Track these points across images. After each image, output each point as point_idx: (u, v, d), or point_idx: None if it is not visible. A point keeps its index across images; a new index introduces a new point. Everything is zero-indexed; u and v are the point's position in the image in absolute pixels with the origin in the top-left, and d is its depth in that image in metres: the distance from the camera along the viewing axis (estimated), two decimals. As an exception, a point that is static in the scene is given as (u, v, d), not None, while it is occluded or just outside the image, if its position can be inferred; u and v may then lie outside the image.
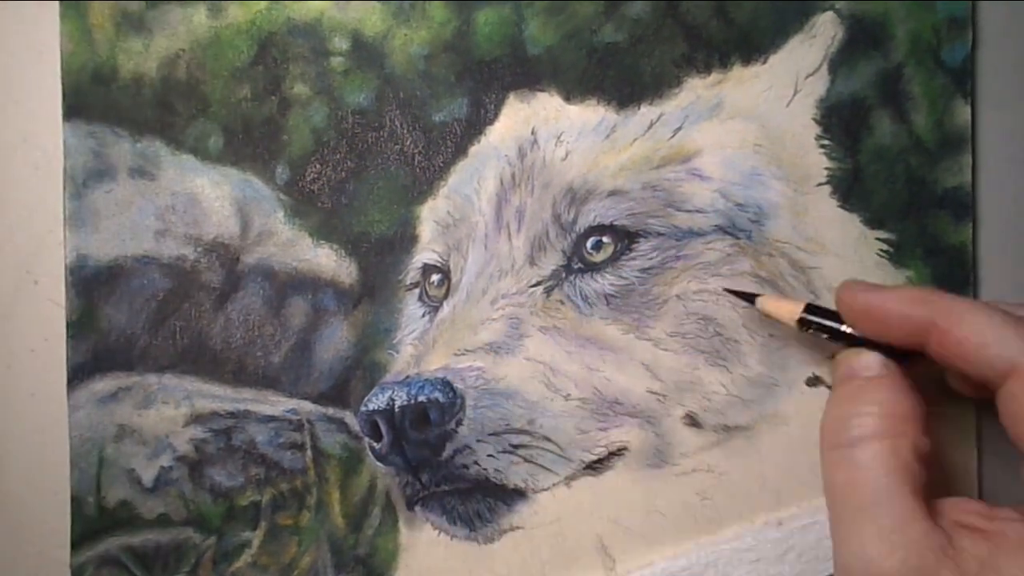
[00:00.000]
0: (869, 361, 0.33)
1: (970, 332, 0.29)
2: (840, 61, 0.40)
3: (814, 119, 0.40)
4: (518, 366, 0.40)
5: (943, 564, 0.27)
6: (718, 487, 0.40)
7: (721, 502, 0.40)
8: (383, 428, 0.40)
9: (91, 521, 0.42)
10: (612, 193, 0.40)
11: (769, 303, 0.37)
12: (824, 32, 0.40)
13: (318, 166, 0.42)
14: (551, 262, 0.41)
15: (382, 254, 0.42)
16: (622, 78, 0.41)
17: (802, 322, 0.36)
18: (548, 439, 0.40)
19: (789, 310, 0.36)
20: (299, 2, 0.41)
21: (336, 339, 0.42)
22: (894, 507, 0.28)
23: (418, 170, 0.42)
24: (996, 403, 0.29)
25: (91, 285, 0.42)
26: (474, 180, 0.41)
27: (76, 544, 0.42)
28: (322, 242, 0.42)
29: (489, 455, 0.40)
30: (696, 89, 0.41)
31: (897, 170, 0.40)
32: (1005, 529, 0.28)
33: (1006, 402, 0.28)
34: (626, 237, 0.40)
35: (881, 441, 0.29)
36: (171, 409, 0.42)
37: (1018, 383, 0.28)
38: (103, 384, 0.42)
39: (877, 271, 0.40)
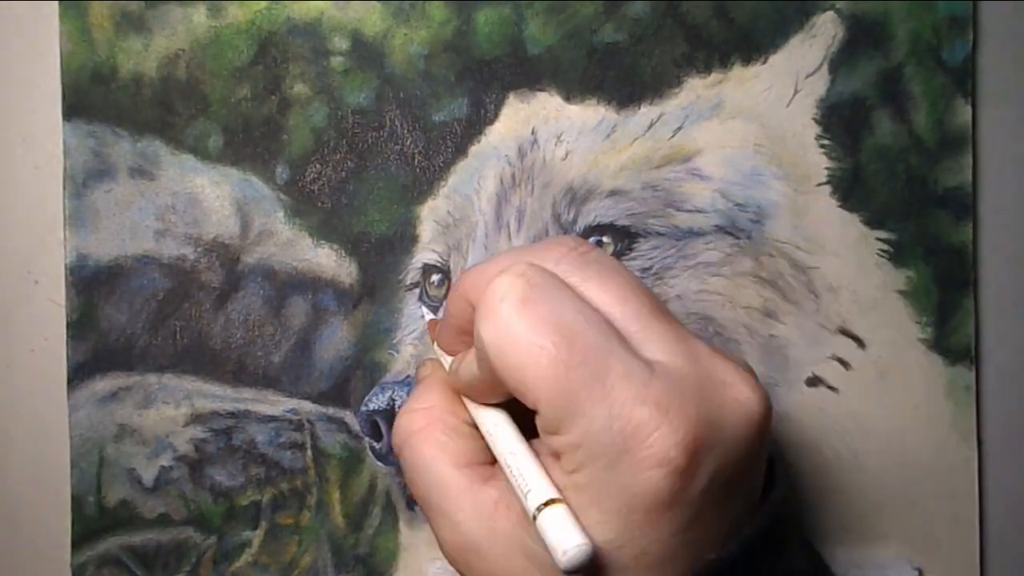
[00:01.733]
0: (423, 368, 0.35)
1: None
2: (840, 61, 0.40)
3: (814, 119, 0.40)
4: (518, 366, 0.40)
5: (496, 517, 0.28)
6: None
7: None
8: (383, 428, 0.40)
9: (91, 521, 0.42)
10: (612, 193, 0.40)
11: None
12: (824, 32, 0.40)
13: (318, 166, 0.42)
14: (551, 262, 0.41)
15: (382, 254, 0.42)
16: (622, 78, 0.41)
17: None
18: (548, 439, 0.40)
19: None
20: (299, 2, 0.41)
21: (336, 339, 0.42)
22: (443, 487, 0.29)
23: (418, 170, 0.42)
24: None
25: (91, 285, 0.42)
26: (474, 180, 0.41)
27: (76, 544, 0.42)
28: (322, 242, 0.42)
29: (489, 455, 0.40)
30: (696, 89, 0.41)
31: (897, 170, 0.40)
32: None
33: None
34: (626, 237, 0.40)
35: (418, 433, 0.31)
36: (171, 409, 0.42)
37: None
38: (103, 384, 0.42)
39: (877, 271, 0.40)
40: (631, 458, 0.25)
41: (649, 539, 0.25)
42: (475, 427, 0.31)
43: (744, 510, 0.27)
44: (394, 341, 0.42)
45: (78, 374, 0.42)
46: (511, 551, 0.28)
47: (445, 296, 0.42)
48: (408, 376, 0.41)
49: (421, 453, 0.31)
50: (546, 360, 0.26)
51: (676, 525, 0.25)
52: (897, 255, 0.40)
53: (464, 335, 0.32)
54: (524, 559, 0.27)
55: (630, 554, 0.26)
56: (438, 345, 0.34)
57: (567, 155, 0.41)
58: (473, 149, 0.42)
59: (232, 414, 0.42)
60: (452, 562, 0.30)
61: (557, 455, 0.27)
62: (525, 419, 0.29)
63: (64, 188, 0.42)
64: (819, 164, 0.40)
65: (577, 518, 0.25)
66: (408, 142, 0.42)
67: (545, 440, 0.27)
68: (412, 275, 0.42)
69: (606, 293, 0.28)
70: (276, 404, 0.42)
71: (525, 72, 0.41)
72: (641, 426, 0.25)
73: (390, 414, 0.40)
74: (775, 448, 0.28)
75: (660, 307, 0.29)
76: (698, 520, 0.26)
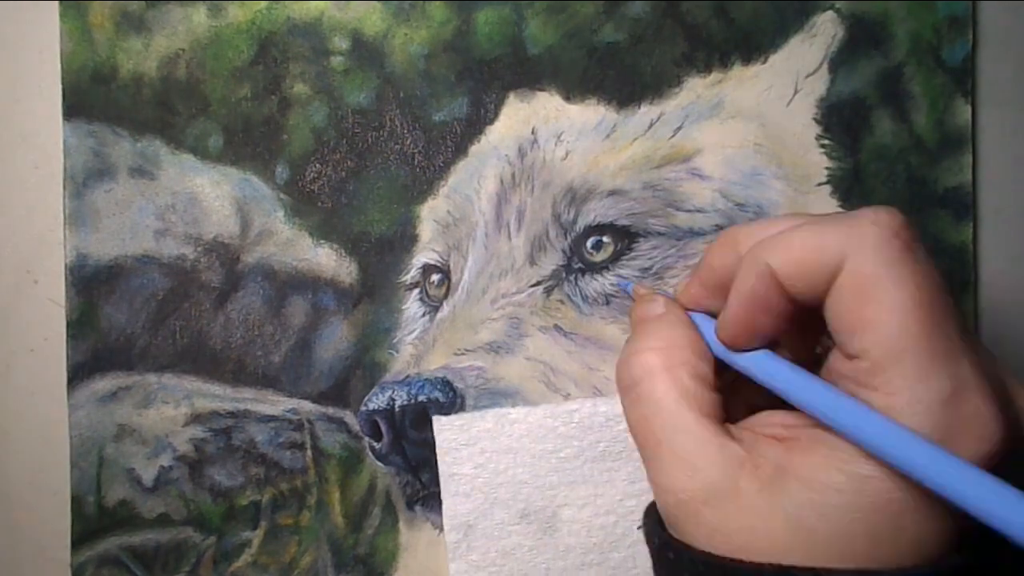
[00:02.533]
0: (653, 305, 0.33)
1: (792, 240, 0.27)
2: (840, 60, 0.40)
3: (814, 119, 0.40)
4: (518, 366, 0.40)
5: (741, 475, 0.27)
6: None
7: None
8: (383, 428, 0.40)
9: (91, 521, 0.42)
10: (612, 193, 0.40)
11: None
12: (824, 31, 0.40)
13: (318, 166, 0.42)
14: (551, 262, 0.41)
15: (382, 254, 0.42)
16: (622, 78, 0.41)
17: None
18: (548, 439, 0.40)
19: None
20: (299, 2, 0.41)
21: (336, 339, 0.42)
22: (686, 432, 0.28)
23: (418, 170, 0.42)
24: (825, 315, 0.27)
25: (91, 284, 0.42)
26: (474, 180, 0.41)
27: (76, 544, 0.42)
28: (322, 241, 0.42)
29: (489, 455, 0.40)
30: (696, 88, 0.41)
31: (897, 170, 0.40)
32: (799, 434, 0.27)
33: (835, 301, 0.26)
34: (626, 237, 0.40)
35: (660, 374, 0.29)
36: (171, 409, 0.42)
37: (847, 277, 0.26)
38: (103, 383, 0.42)
39: (877, 271, 0.40)
40: (959, 440, 0.24)
41: None
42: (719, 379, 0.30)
43: None
44: (394, 341, 0.42)
45: (78, 374, 0.42)
46: (763, 511, 0.26)
47: (445, 296, 0.42)
48: (408, 375, 0.40)
49: (661, 395, 0.29)
50: (917, 301, 0.25)
51: None
52: (897, 255, 0.40)
53: (719, 291, 0.30)
54: (783, 521, 0.26)
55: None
56: (682, 299, 0.32)
57: (567, 155, 0.41)
58: (473, 149, 0.42)
59: (232, 414, 0.42)
60: (674, 507, 0.28)
61: None
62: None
63: (64, 188, 0.42)
64: (819, 164, 0.40)
65: None
66: (408, 142, 0.42)
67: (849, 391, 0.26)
68: (412, 275, 0.42)
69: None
70: (276, 404, 0.42)
71: (525, 72, 0.41)
72: (978, 414, 0.24)
73: (390, 414, 0.40)
74: None
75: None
76: None
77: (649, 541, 0.30)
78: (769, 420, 0.30)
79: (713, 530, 0.27)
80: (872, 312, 0.25)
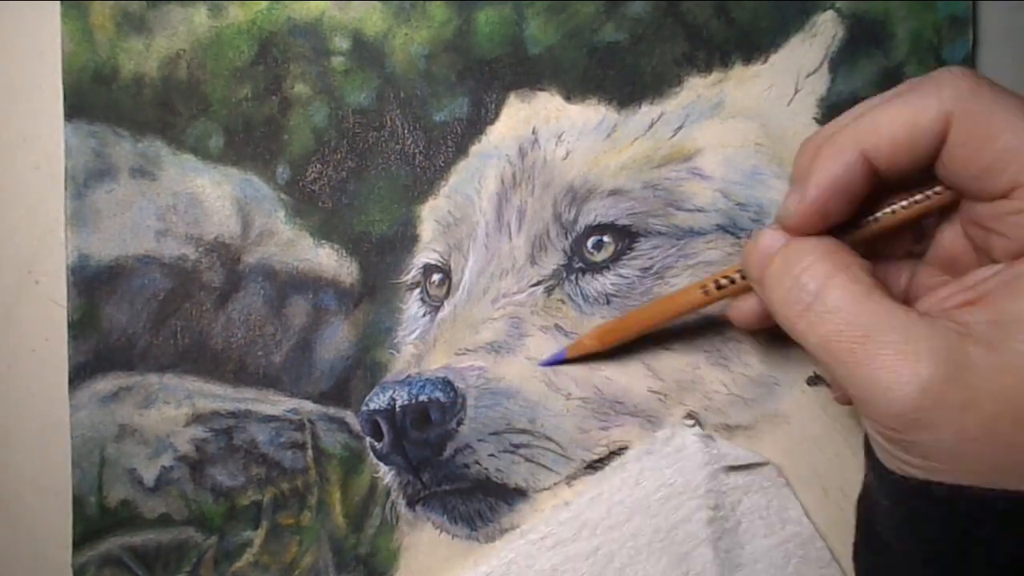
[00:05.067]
0: (772, 236, 0.31)
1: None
2: (841, 60, 0.40)
3: (815, 118, 0.40)
4: (519, 365, 0.40)
5: (966, 343, 0.25)
6: (719, 486, 0.40)
7: (722, 501, 0.40)
8: (384, 427, 0.40)
9: (92, 521, 0.42)
10: (613, 192, 0.40)
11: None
12: (825, 31, 0.40)
13: (319, 166, 0.42)
14: (552, 261, 0.41)
15: (383, 254, 0.42)
16: (623, 77, 0.41)
17: None
18: (549, 438, 0.40)
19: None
20: (300, 2, 0.41)
21: (337, 339, 0.42)
22: (892, 321, 0.26)
23: (419, 169, 0.42)
24: (943, 174, 0.28)
25: (92, 285, 0.42)
26: (475, 179, 0.41)
27: (77, 544, 0.42)
28: (323, 242, 0.42)
29: (490, 454, 0.40)
30: (697, 88, 0.41)
31: (898, 169, 0.40)
32: (990, 287, 0.27)
33: (955, 156, 0.27)
34: (627, 236, 0.40)
35: (838, 276, 0.28)
36: (172, 409, 0.42)
37: (960, 128, 0.27)
38: (104, 384, 0.42)
39: (878, 270, 0.40)
40: None
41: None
42: None
43: None
44: (395, 341, 0.42)
45: (79, 374, 0.42)
46: (1007, 372, 0.25)
47: (446, 295, 0.42)
48: (409, 375, 0.40)
49: (849, 295, 0.28)
50: None
51: None
52: (898, 254, 0.40)
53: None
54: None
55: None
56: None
57: (568, 154, 0.41)
58: (474, 149, 0.42)
59: (233, 414, 0.42)
60: (902, 408, 0.26)
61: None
62: None
63: (65, 188, 0.42)
64: (820, 163, 0.40)
65: None
66: (409, 142, 0.42)
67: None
68: (413, 275, 0.42)
69: None
70: (277, 404, 0.42)
71: (526, 72, 0.41)
72: None
73: (391, 414, 0.40)
74: None
75: None
76: None
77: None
78: (940, 295, 0.29)
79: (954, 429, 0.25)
80: (1006, 142, 0.26)
